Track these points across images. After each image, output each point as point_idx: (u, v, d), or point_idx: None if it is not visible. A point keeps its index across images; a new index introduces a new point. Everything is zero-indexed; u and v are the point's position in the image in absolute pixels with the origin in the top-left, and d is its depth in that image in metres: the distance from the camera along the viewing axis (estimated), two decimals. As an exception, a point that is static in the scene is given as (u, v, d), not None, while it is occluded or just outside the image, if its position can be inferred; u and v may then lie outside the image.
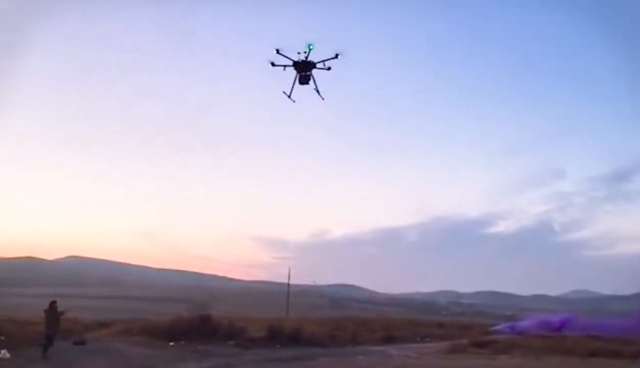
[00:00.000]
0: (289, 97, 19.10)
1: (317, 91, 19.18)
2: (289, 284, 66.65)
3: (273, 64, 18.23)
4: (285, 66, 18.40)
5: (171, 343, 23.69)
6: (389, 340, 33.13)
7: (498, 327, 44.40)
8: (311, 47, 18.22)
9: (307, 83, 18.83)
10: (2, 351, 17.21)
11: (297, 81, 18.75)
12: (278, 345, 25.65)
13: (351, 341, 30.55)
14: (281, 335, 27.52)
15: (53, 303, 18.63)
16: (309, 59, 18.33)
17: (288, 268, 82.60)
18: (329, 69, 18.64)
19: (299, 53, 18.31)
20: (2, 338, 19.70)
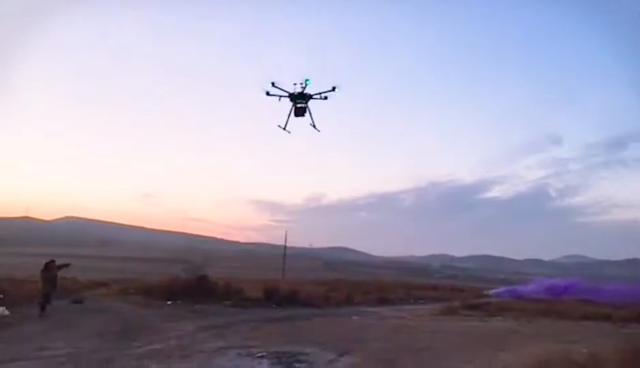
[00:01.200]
0: (284, 129, 18.85)
1: (314, 125, 18.90)
2: (285, 247, 67.17)
3: (268, 94, 17.98)
4: (280, 97, 18.13)
5: (168, 303, 23.94)
6: (383, 301, 33.58)
7: (497, 290, 44.34)
8: (307, 82, 17.98)
9: (302, 115, 18.49)
10: (1, 308, 17.39)
11: (292, 113, 18.44)
12: (274, 306, 25.96)
13: (346, 302, 30.95)
14: (277, 296, 27.85)
15: (50, 263, 18.71)
16: (305, 92, 18.06)
17: (285, 231, 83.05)
18: (325, 98, 18.34)
19: (294, 84, 18.06)
20: (1, 296, 19.87)
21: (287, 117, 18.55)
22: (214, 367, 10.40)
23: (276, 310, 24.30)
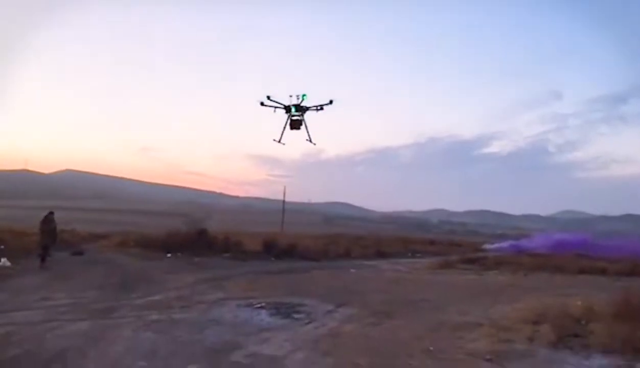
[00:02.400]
0: (279, 142, 18.62)
1: (310, 139, 18.66)
2: (284, 201, 67.48)
3: (262, 104, 17.70)
4: (275, 108, 17.86)
5: (168, 255, 24.14)
6: (380, 255, 33.94)
7: (499, 245, 43.76)
8: (304, 97, 17.71)
9: (298, 128, 18.23)
10: (2, 259, 17.51)
11: (287, 126, 18.17)
12: (273, 259, 26.22)
13: (344, 256, 31.28)
14: (276, 249, 28.11)
15: (49, 215, 18.73)
16: (301, 104, 17.79)
17: (283, 186, 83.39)
18: (321, 109, 18.06)
19: (290, 96, 17.78)
20: (2, 247, 19.99)
21: (282, 129, 18.38)
22: (213, 317, 10.53)
23: (275, 263, 24.52)
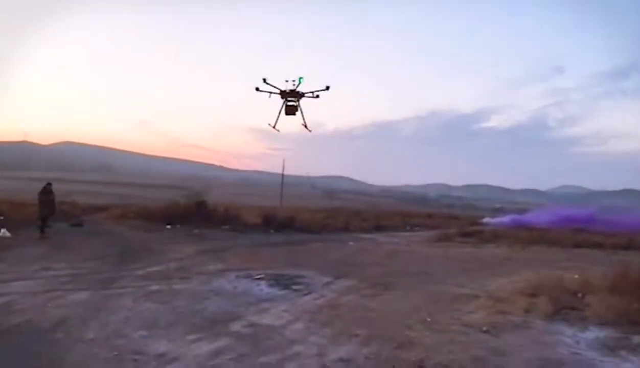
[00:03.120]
0: (274, 127, 18.56)
1: (305, 125, 18.62)
2: (283, 175, 67.50)
3: (257, 89, 17.56)
4: (270, 93, 17.73)
5: (168, 227, 24.22)
6: (379, 228, 34.05)
7: (501, 219, 42.83)
8: (301, 80, 17.56)
9: (293, 114, 18.13)
10: (2, 230, 17.55)
11: (282, 111, 18.06)
12: (272, 231, 26.32)
13: (342, 229, 31.38)
14: (275, 222, 28.21)
15: (47, 186, 18.71)
16: (297, 90, 17.67)
17: (282, 160, 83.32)
18: (317, 97, 17.94)
19: (286, 81, 17.60)
20: (1, 218, 20.02)
21: (277, 115, 18.30)
22: (213, 288, 10.61)
23: (274, 236, 24.63)
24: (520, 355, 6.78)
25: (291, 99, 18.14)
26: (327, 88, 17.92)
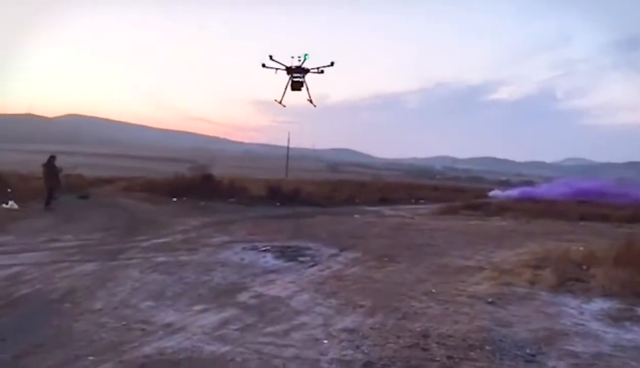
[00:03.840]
0: (280, 102, 19.02)
1: (310, 101, 19.04)
2: (288, 147, 67.39)
3: (264, 65, 17.87)
4: (277, 69, 18.13)
5: (174, 200, 24.29)
6: (384, 201, 34.00)
7: (509, 192, 41.23)
8: (307, 57, 18.01)
9: (299, 89, 18.61)
10: (10, 202, 17.67)
11: (289, 87, 18.48)
12: (278, 204, 26.35)
13: (348, 202, 31.37)
14: (280, 195, 28.22)
15: (51, 158, 18.76)
16: (303, 66, 18.06)
17: (287, 132, 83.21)
18: (321, 72, 18.24)
19: (292, 57, 18.03)
20: (9, 190, 20.14)
21: (283, 90, 18.85)
22: (219, 259, 10.68)
23: (279, 208, 24.68)
24: (525, 326, 6.82)
25: (297, 75, 18.53)
26: (332, 64, 18.27)
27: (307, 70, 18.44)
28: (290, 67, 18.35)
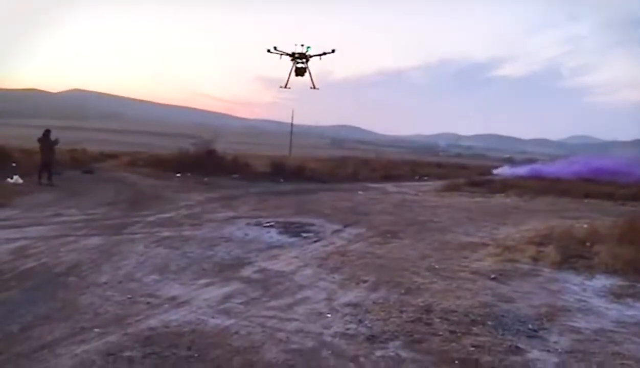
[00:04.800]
0: (285, 87, 20.39)
1: (313, 86, 20.41)
2: (292, 124, 67.20)
3: (269, 51, 18.99)
4: (281, 55, 19.29)
5: (177, 175, 24.35)
6: (387, 178, 34.01)
7: (516, 170, 40.23)
8: (309, 48, 19.15)
9: (302, 75, 19.86)
10: (15, 177, 17.73)
11: (293, 72, 19.67)
12: (281, 180, 26.39)
13: (351, 178, 31.39)
14: (284, 171, 28.25)
15: (46, 132, 18.70)
16: (305, 53, 19.13)
17: (291, 109, 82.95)
18: (323, 55, 19.37)
19: (295, 45, 19.10)
20: (14, 165, 20.18)
21: (288, 76, 20.24)
22: (223, 234, 10.72)
23: (283, 185, 24.71)
24: (527, 302, 6.85)
25: (300, 62, 19.58)
26: (333, 51, 19.25)
27: (310, 57, 19.52)
28: (294, 54, 19.42)
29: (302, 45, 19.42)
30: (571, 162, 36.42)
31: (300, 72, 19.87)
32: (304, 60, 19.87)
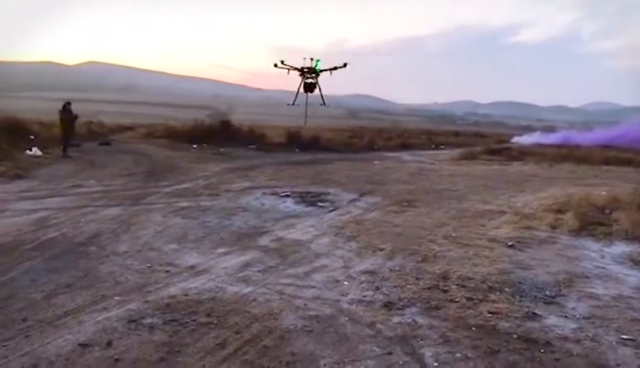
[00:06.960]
0: (293, 104, 19.02)
1: (323, 102, 18.98)
2: (307, 94, 66.69)
3: (276, 66, 17.61)
4: (289, 69, 17.93)
5: (194, 146, 24.40)
6: (404, 147, 33.79)
7: (543, 138, 38.32)
8: (318, 62, 17.77)
9: (311, 91, 18.29)
10: (34, 149, 17.90)
11: (301, 88, 18.15)
12: (297, 150, 26.33)
13: (367, 148, 31.22)
14: (300, 141, 28.17)
15: (66, 104, 18.81)
16: (315, 68, 17.72)
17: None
18: (334, 69, 17.97)
19: (304, 58, 17.66)
20: (32, 137, 20.37)
21: (296, 92, 18.69)
22: (240, 204, 10.79)
23: (299, 155, 24.66)
24: (545, 269, 6.83)
25: (310, 76, 18.40)
26: (345, 65, 18.01)
27: (319, 72, 18.42)
28: (303, 68, 18.26)
29: (312, 59, 18.24)
30: (608, 130, 34.37)
31: (309, 88, 18.73)
32: (314, 75, 18.69)
